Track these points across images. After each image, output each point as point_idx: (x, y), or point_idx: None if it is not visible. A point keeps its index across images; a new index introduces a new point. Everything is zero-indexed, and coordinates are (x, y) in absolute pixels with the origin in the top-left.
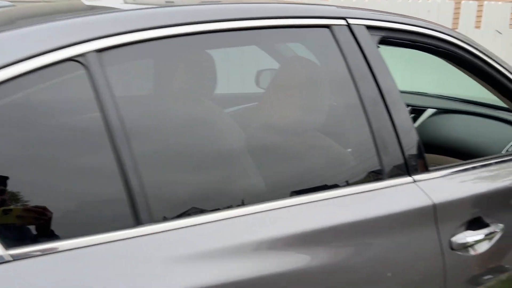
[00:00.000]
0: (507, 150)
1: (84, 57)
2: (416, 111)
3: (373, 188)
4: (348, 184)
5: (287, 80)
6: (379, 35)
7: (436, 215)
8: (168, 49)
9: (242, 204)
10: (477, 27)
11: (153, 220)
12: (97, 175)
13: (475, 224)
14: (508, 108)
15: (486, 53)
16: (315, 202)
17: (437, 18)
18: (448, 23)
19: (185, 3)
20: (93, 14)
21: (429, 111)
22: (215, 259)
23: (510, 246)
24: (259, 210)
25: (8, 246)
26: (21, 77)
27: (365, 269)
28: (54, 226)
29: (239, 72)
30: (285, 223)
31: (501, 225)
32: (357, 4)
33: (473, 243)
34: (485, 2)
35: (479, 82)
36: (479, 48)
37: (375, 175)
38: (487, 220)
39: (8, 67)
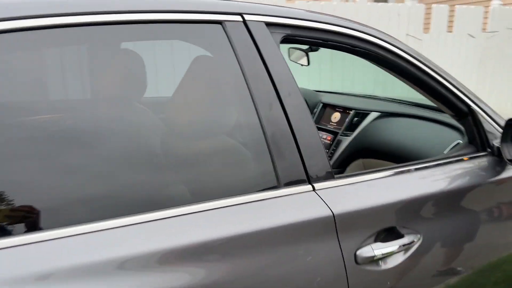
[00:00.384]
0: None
1: None
2: (360, 115)
3: (267, 197)
4: (239, 192)
5: (191, 83)
6: (281, 32)
7: (336, 226)
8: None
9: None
10: (450, 31)
11: None
12: None
13: (387, 235)
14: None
15: (408, 51)
16: (204, 212)
17: (407, 21)
18: (419, 27)
19: None
20: None
21: (373, 115)
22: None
23: (430, 258)
24: (134, 222)
25: None
26: None
27: (256, 286)
28: None
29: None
30: (166, 236)
31: (419, 236)
32: (316, 7)
33: (381, 256)
34: (457, 6)
35: (403, 81)
36: (400, 47)
37: (271, 183)
38: (402, 231)
39: None
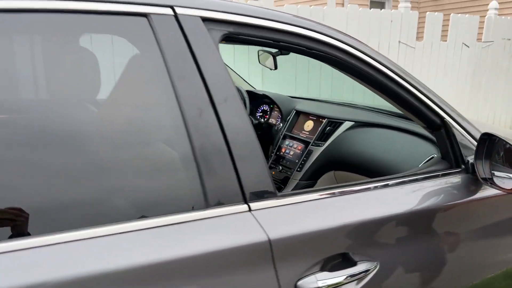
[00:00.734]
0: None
1: None
2: (333, 124)
3: (190, 219)
4: (157, 213)
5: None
6: (221, 30)
7: (273, 253)
8: None
9: None
10: (444, 39)
11: None
12: None
13: (337, 263)
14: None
15: (374, 56)
16: (110, 237)
17: (400, 28)
18: (412, 34)
19: None
20: None
21: (347, 124)
22: None
23: None
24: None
25: None
26: None
27: None
28: None
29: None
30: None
31: (375, 263)
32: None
33: (326, 287)
34: (452, 14)
35: (371, 90)
36: (364, 51)
37: (196, 202)
38: (355, 258)
39: None
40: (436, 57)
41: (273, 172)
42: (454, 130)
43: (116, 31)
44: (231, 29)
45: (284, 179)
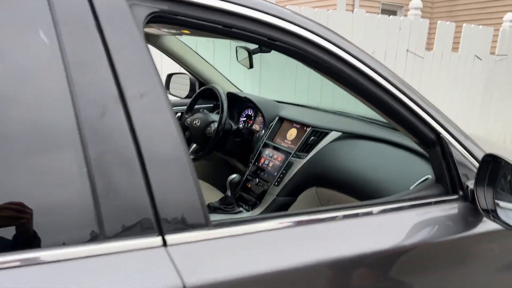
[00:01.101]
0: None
1: None
2: (318, 134)
3: (78, 255)
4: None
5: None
6: (149, 6)
7: None
8: None
9: None
10: (455, 50)
11: None
12: None
13: None
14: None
15: (357, 55)
16: None
17: (408, 36)
18: (421, 43)
19: None
20: None
21: (333, 135)
22: None
23: None
24: None
25: None
26: None
27: None
28: None
29: None
30: None
31: None
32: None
33: None
34: (465, 25)
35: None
36: (344, 47)
37: (86, 233)
38: None
39: None
40: (446, 68)
41: (249, 185)
42: (452, 148)
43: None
44: (164, 6)
45: (261, 193)
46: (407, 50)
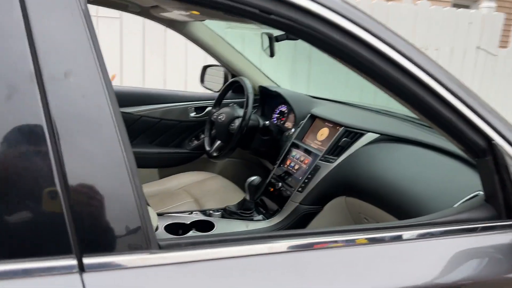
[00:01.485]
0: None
1: None
2: (352, 134)
3: None
4: None
5: None
6: None
7: None
8: None
9: None
10: None
11: None
12: None
13: None
14: None
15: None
16: None
17: (480, 32)
18: (494, 40)
19: None
20: None
21: (369, 136)
22: None
23: None
24: None
25: None
26: None
27: None
28: None
29: None
30: None
31: None
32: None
33: None
34: None
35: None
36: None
37: None
38: None
39: None
40: None
41: (272, 189)
42: (508, 160)
43: None
44: None
45: (283, 200)
46: (478, 47)
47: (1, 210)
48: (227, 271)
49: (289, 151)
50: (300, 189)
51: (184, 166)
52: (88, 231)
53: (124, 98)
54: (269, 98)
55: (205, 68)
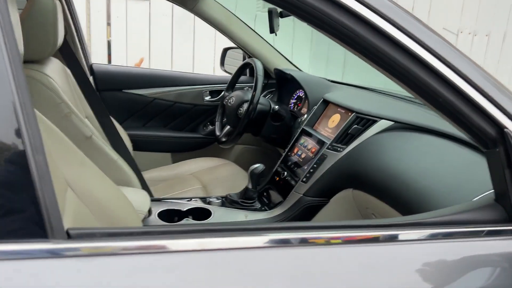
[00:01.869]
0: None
1: None
2: (363, 121)
3: None
4: None
5: None
6: None
7: None
8: None
9: None
10: None
11: None
12: None
13: None
14: None
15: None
16: None
17: None
18: None
19: None
20: None
21: (382, 124)
22: None
23: None
24: None
25: None
26: None
27: None
28: None
29: None
30: None
31: None
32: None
33: None
34: None
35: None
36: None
37: None
38: None
39: None
40: None
41: (277, 178)
42: None
43: None
44: None
45: (287, 190)
46: None
47: None
48: (146, 267)
49: (298, 139)
50: (304, 179)
51: (198, 151)
52: None
53: (136, 80)
54: (286, 82)
55: (225, 50)
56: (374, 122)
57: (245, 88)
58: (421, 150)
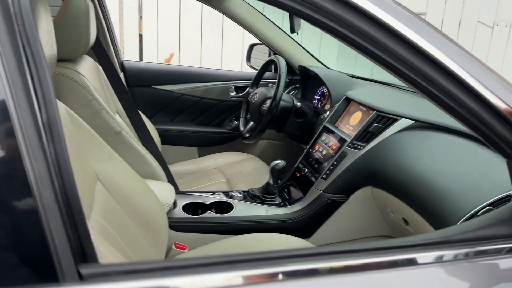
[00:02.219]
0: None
1: None
2: (384, 120)
3: None
4: None
5: None
6: None
7: None
8: None
9: None
10: None
11: None
12: None
13: None
14: None
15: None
16: None
17: None
18: None
19: None
20: None
21: (403, 123)
22: None
23: None
24: None
25: None
26: None
27: None
28: None
29: None
30: None
31: None
32: None
33: None
34: None
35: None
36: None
37: None
38: None
39: None
40: None
41: (298, 175)
42: None
43: None
44: None
45: (307, 186)
46: None
47: None
48: None
49: (319, 135)
50: (324, 176)
51: (224, 145)
52: None
53: (164, 76)
54: (310, 79)
55: (251, 46)
56: (395, 120)
57: (269, 85)
58: (440, 150)
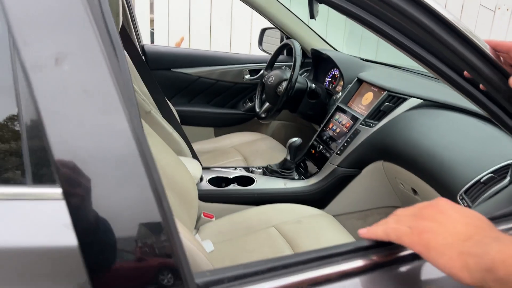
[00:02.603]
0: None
1: None
2: (394, 99)
3: None
4: None
5: None
6: None
7: None
8: None
9: None
10: None
11: None
12: None
13: None
14: None
15: None
16: None
17: None
18: None
19: None
20: None
21: (412, 102)
22: None
23: None
24: None
25: None
26: None
27: None
28: None
29: None
30: None
31: None
32: None
33: None
34: None
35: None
36: None
37: None
38: None
39: None
40: None
41: (313, 151)
42: None
43: None
44: None
45: (322, 161)
46: None
47: None
48: None
49: (333, 115)
50: (339, 152)
51: (238, 126)
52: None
53: (183, 59)
54: (322, 62)
55: (263, 30)
56: (405, 100)
57: (283, 67)
58: (446, 126)
